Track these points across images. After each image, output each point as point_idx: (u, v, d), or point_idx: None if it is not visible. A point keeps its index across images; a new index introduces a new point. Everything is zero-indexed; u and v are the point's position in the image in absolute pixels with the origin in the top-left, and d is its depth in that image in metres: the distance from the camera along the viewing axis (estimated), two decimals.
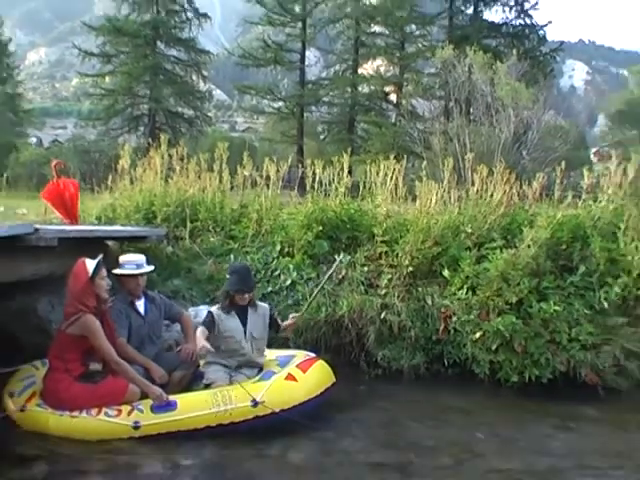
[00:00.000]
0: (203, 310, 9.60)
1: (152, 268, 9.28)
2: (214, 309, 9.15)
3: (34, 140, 79.73)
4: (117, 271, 8.81)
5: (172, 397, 8.05)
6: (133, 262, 8.94)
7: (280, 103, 51.62)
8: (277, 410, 8.13)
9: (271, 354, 9.34)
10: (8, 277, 8.67)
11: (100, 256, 8.30)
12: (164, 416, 7.83)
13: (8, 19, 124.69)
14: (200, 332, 8.68)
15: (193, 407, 8.01)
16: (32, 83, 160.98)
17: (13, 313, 9.88)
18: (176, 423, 7.82)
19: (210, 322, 8.91)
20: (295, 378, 8.60)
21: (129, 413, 7.82)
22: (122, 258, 9.07)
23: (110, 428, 7.69)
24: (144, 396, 8.03)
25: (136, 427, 7.71)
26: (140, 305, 8.90)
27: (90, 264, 8.14)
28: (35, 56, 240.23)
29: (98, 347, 7.92)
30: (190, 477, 6.92)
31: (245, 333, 8.96)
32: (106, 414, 7.76)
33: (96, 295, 8.13)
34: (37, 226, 8.72)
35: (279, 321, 9.53)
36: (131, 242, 11.67)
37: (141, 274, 8.89)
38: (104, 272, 8.27)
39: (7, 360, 8.51)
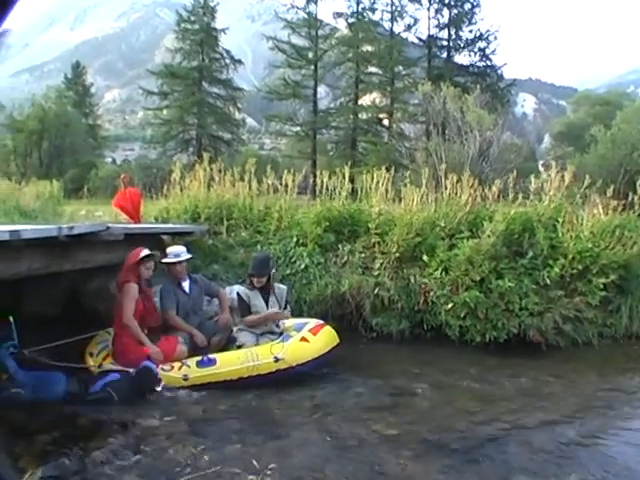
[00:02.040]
0: (236, 288, 9.60)
1: (188, 257, 9.23)
2: (241, 290, 9.29)
3: (109, 160, 79.73)
4: (164, 260, 8.97)
5: (212, 355, 8.13)
6: (173, 253, 9.07)
7: (298, 128, 51.52)
8: (294, 365, 8.20)
9: (289, 321, 9.34)
10: (89, 264, 8.84)
11: (157, 252, 8.40)
12: (207, 370, 7.92)
13: (91, 68, 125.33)
14: (251, 316, 8.99)
15: (229, 362, 8.08)
16: (108, 116, 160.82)
17: (93, 292, 10.03)
18: (216, 375, 7.90)
19: (242, 302, 9.08)
20: (308, 340, 8.66)
21: (179, 368, 7.92)
22: (167, 250, 9.23)
23: (165, 379, 7.68)
24: (190, 355, 8.16)
25: (185, 379, 7.80)
26: (185, 285, 8.99)
27: (143, 252, 8.27)
28: (110, 96, 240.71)
29: (120, 306, 8.06)
30: (227, 420, 6.89)
31: (268, 309, 9.03)
32: (162, 369, 7.80)
33: (138, 275, 8.30)
34: (109, 224, 8.88)
35: (289, 306, 9.60)
36: (180, 236, 11.66)
37: (179, 262, 8.97)
38: (151, 264, 8.45)
39: (89, 327, 8.56)
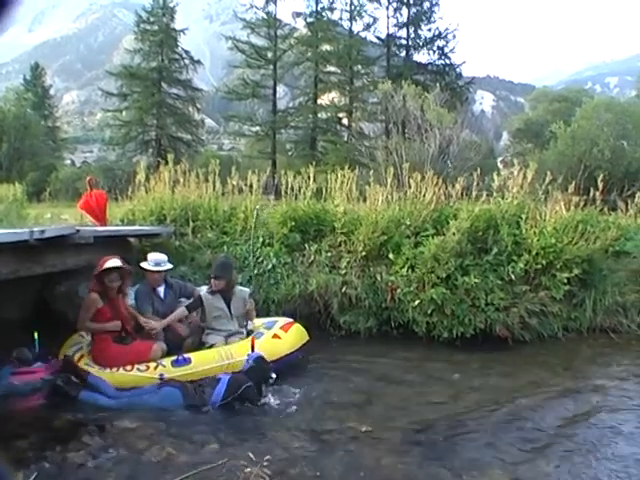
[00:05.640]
0: (204, 289, 9.55)
1: (169, 267, 9.26)
2: (203, 293, 9.22)
3: (68, 162, 79.19)
4: (142, 264, 8.94)
5: (187, 354, 8.15)
6: (153, 260, 9.02)
7: (257, 127, 51.44)
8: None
9: (259, 320, 9.43)
10: (57, 267, 8.80)
11: (118, 262, 8.21)
12: (182, 369, 7.92)
13: (49, 70, 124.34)
14: (180, 312, 8.90)
15: (204, 361, 8.13)
16: (66, 118, 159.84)
17: (61, 295, 9.99)
18: (191, 374, 7.86)
19: (197, 304, 9.06)
20: (279, 337, 8.83)
21: (155, 368, 7.89)
22: (149, 255, 9.18)
23: (141, 380, 7.74)
24: (165, 355, 8.16)
25: (161, 378, 7.74)
26: (160, 291, 9.07)
27: (107, 264, 8.13)
28: (69, 97, 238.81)
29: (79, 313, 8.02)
30: (202, 420, 6.85)
31: (230, 312, 9.04)
32: (138, 369, 7.86)
33: (103, 284, 8.12)
34: (78, 227, 8.96)
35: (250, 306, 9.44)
36: (147, 238, 11.68)
37: (158, 271, 8.96)
38: (114, 276, 8.10)
39: (58, 330, 8.48)
